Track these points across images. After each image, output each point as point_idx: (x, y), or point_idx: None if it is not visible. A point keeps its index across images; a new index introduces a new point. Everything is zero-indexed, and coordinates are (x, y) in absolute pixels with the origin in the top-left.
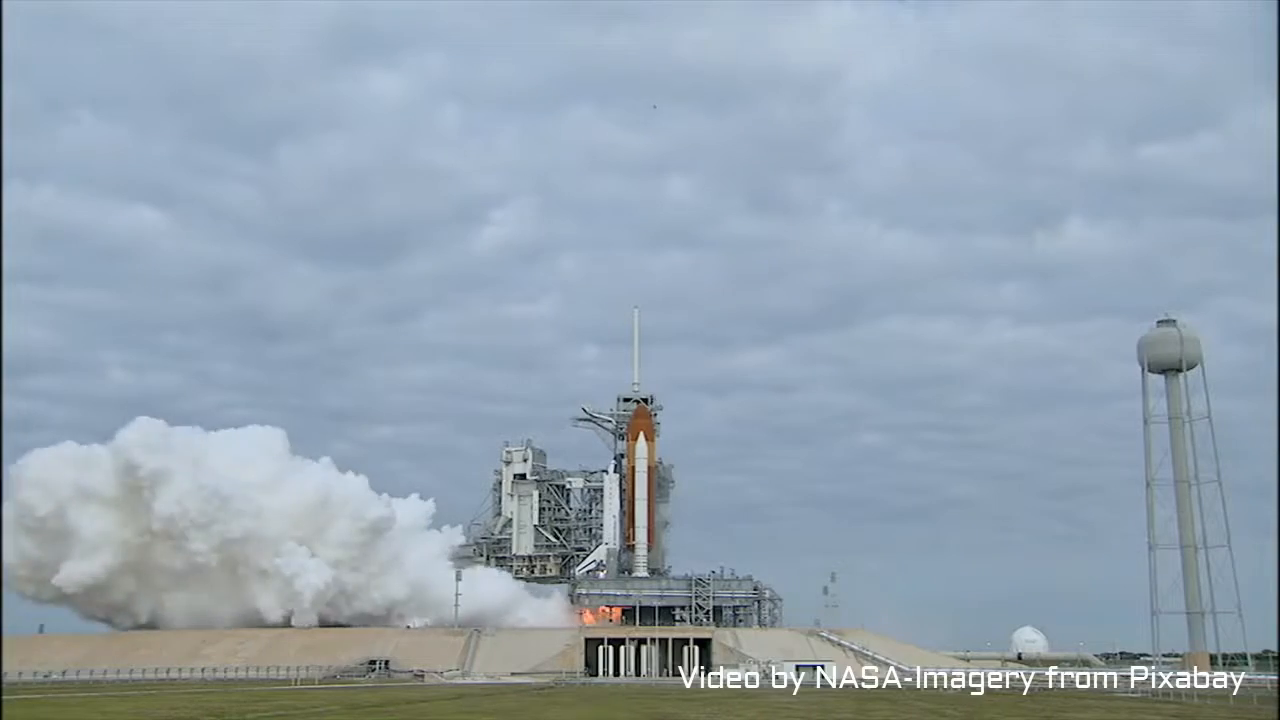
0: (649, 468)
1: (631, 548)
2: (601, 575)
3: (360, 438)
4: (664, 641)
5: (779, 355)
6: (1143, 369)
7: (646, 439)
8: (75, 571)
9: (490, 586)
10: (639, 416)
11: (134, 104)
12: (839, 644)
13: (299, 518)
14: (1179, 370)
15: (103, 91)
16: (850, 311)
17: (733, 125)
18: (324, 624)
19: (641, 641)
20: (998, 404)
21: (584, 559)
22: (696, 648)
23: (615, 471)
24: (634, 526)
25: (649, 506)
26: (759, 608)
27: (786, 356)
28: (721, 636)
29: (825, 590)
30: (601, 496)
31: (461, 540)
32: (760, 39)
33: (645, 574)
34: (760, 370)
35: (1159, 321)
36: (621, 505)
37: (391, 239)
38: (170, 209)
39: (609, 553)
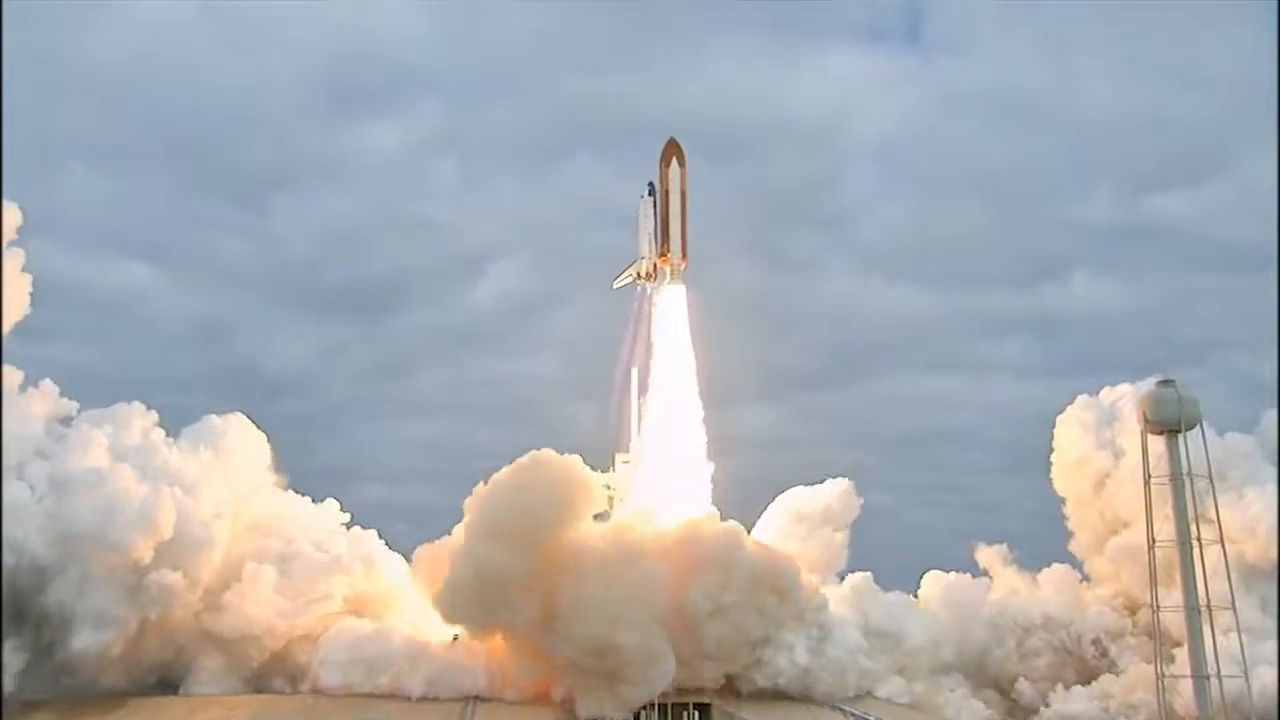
0: (681, 190)
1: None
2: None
3: (354, 498)
4: (662, 707)
5: (779, 413)
6: (1142, 429)
7: (679, 165)
8: None
9: None
10: (670, 146)
11: (126, 156)
12: (852, 714)
13: None
14: (1178, 431)
15: (95, 143)
16: (852, 368)
17: (733, 176)
18: None
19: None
20: (1001, 463)
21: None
22: (696, 712)
23: (649, 195)
24: (669, 241)
25: (683, 223)
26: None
27: (787, 414)
28: (724, 705)
29: None
30: None
31: None
32: (763, 89)
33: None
34: (760, 428)
35: (1158, 382)
36: (656, 224)
37: (386, 293)
38: (163, 263)
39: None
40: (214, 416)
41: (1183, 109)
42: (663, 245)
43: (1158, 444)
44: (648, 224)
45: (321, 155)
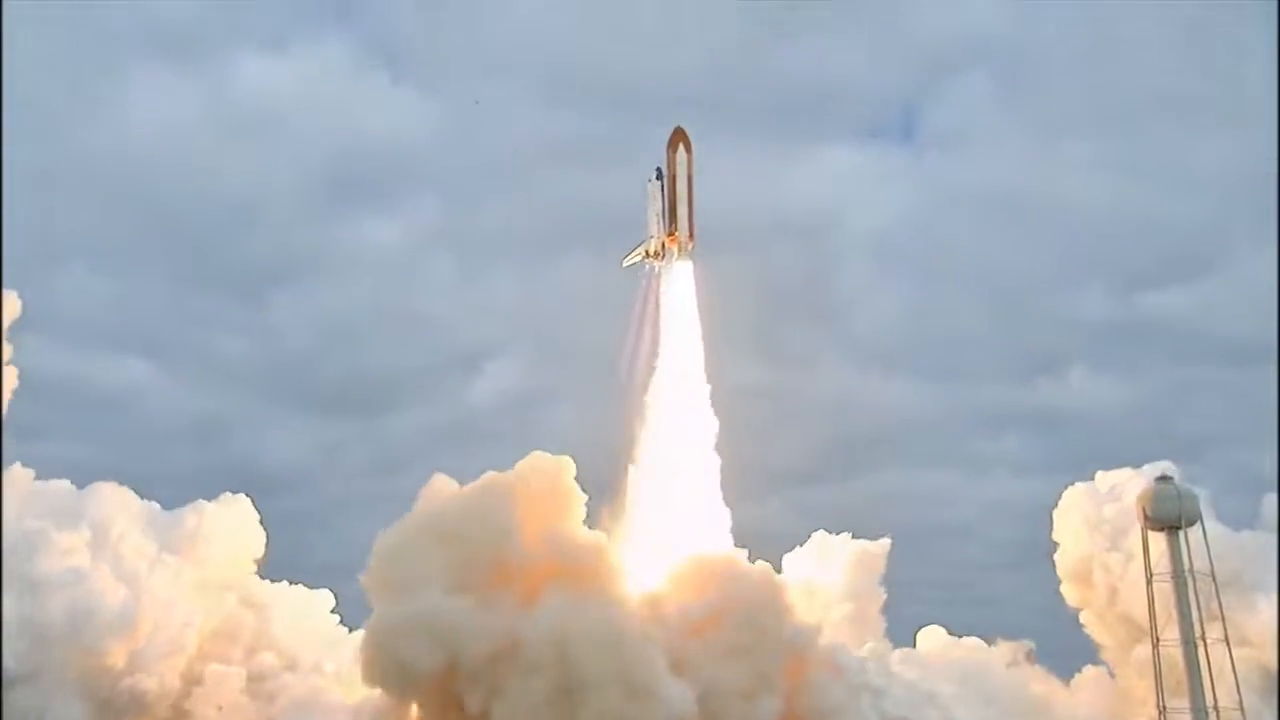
0: (688, 174)
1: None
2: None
3: (351, 593)
4: None
5: (773, 508)
6: (1143, 526)
7: (686, 150)
8: None
9: None
10: (677, 132)
11: (126, 251)
12: None
13: None
14: (1178, 527)
15: (95, 239)
16: (848, 462)
17: (729, 272)
18: None
19: None
20: (1001, 559)
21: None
22: None
23: (658, 179)
24: (676, 220)
25: (689, 205)
26: None
27: (781, 508)
28: None
29: None
30: None
31: None
32: (757, 185)
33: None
34: (754, 523)
35: (1157, 479)
36: (664, 205)
37: (384, 390)
38: (161, 359)
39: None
40: (203, 501)
41: (1176, 206)
42: (670, 225)
43: (1159, 541)
44: (655, 205)
45: (319, 251)
